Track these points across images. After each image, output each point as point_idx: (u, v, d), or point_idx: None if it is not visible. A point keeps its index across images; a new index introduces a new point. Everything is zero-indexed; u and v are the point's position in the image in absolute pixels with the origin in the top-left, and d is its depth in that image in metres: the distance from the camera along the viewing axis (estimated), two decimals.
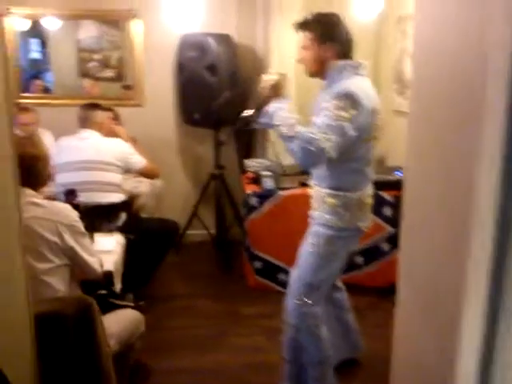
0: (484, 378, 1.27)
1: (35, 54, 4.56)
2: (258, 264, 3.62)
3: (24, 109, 3.88)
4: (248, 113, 2.19)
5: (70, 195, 2.40)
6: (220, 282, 3.86)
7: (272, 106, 2.11)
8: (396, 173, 3.49)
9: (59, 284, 1.98)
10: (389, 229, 3.50)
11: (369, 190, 2.31)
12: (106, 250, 2.48)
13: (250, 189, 3.60)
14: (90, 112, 3.33)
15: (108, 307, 2.42)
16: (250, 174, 3.77)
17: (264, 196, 3.51)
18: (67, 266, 2.04)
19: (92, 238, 2.51)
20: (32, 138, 2.02)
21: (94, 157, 3.17)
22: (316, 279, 2.29)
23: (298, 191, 3.42)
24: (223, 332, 3.16)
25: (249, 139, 4.44)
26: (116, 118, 3.87)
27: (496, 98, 1.12)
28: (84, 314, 1.74)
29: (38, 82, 4.47)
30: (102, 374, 1.79)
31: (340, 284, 2.67)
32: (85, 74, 4.46)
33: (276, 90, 2.15)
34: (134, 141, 3.89)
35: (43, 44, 4.49)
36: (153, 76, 4.31)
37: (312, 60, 2.21)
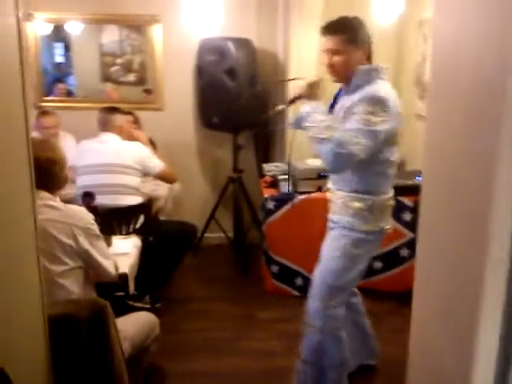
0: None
1: (59, 58, 4.64)
2: (275, 268, 3.61)
3: (46, 112, 3.96)
4: (279, 108, 2.20)
5: (87, 198, 2.42)
6: (237, 286, 3.86)
7: (306, 107, 2.12)
8: (418, 178, 3.45)
9: (73, 286, 2.00)
10: (408, 234, 3.46)
11: (391, 192, 2.33)
12: (122, 252, 2.49)
13: (267, 193, 3.60)
14: (110, 115, 3.37)
15: (124, 309, 2.45)
16: (268, 178, 3.76)
17: (281, 200, 3.50)
18: (81, 269, 2.06)
19: (110, 240, 2.53)
20: (48, 141, 2.04)
21: (114, 160, 3.21)
22: (340, 282, 2.30)
23: (316, 195, 3.41)
24: (239, 336, 3.16)
25: (267, 143, 4.44)
26: (136, 122, 3.91)
27: None
28: (97, 317, 1.76)
29: (60, 85, 4.54)
30: (115, 377, 1.80)
31: (355, 289, 2.65)
32: (107, 78, 4.51)
33: (312, 90, 2.16)
34: (153, 145, 3.93)
35: (67, 48, 4.56)
36: (173, 80, 4.34)
37: (343, 64, 2.18)
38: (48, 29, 4.34)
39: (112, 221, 3.01)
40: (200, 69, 4.08)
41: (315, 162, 3.62)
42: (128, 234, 3.05)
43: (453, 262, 1.44)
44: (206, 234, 4.35)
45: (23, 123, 1.48)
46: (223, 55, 3.88)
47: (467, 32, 1.36)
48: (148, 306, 3.22)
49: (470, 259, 1.30)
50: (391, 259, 3.54)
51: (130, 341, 2.11)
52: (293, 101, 2.23)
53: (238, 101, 3.86)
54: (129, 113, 3.74)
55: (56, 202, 2.03)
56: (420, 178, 3.31)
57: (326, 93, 2.26)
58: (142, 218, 3.20)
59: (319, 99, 2.16)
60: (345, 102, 2.22)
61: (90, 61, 4.55)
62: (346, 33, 2.16)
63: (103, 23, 4.37)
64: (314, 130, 2.07)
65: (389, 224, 2.32)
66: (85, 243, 2.01)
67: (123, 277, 2.27)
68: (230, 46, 3.86)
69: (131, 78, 4.49)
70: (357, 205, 2.23)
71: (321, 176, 3.39)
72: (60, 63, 4.66)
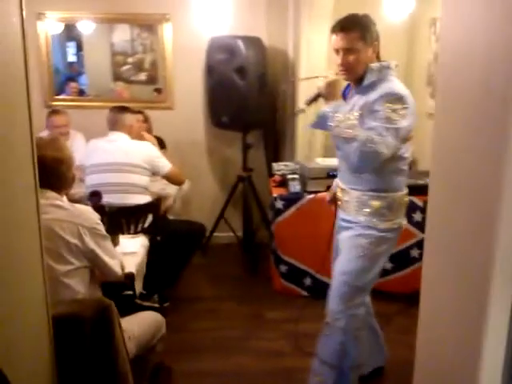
0: None
1: (71, 57, 4.66)
2: (283, 268, 3.59)
3: (56, 111, 3.98)
4: (300, 109, 2.19)
5: (94, 197, 2.43)
6: (246, 285, 3.85)
7: (329, 107, 2.10)
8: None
9: (79, 286, 2.00)
10: (419, 234, 3.42)
11: (406, 188, 2.34)
12: (130, 251, 2.49)
13: (276, 192, 3.58)
14: (120, 115, 3.38)
15: (133, 308, 2.45)
16: (277, 177, 3.75)
17: (290, 199, 3.49)
18: (87, 268, 2.06)
19: (117, 239, 2.53)
20: (55, 140, 2.04)
21: (122, 159, 3.21)
22: (363, 281, 2.29)
23: (326, 195, 3.37)
24: (247, 335, 3.15)
25: (277, 142, 4.43)
26: (145, 121, 3.92)
27: None
28: (102, 317, 1.75)
29: (73, 84, 4.56)
30: (119, 377, 1.80)
31: None
32: (118, 77, 4.52)
33: (332, 89, 2.14)
34: (162, 144, 3.95)
35: (79, 47, 4.59)
36: (183, 79, 4.34)
37: (355, 62, 2.16)
38: (59, 28, 4.36)
39: (120, 220, 3.01)
40: (210, 67, 4.07)
41: (325, 161, 3.60)
42: (136, 233, 3.06)
43: (460, 261, 1.43)
44: (215, 233, 4.34)
45: (27, 123, 1.48)
46: (233, 54, 3.87)
47: (475, 31, 1.35)
48: (156, 305, 3.21)
49: (478, 259, 1.29)
50: (401, 260, 3.50)
51: (135, 340, 2.10)
52: (313, 100, 2.22)
53: (248, 100, 3.84)
54: (138, 112, 3.75)
55: (63, 201, 2.03)
56: None
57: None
58: (150, 218, 3.21)
59: (338, 98, 2.14)
60: (358, 100, 2.20)
61: (101, 60, 4.57)
62: (357, 31, 2.14)
63: (114, 22, 4.39)
64: (339, 130, 2.05)
65: (405, 220, 2.35)
66: (91, 243, 2.01)
67: (129, 276, 2.27)
68: (240, 44, 3.85)
69: (142, 77, 4.50)
70: (376, 203, 2.22)
71: (330, 175, 3.36)
72: (72, 62, 4.68)
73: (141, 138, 3.49)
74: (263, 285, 3.76)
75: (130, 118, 3.40)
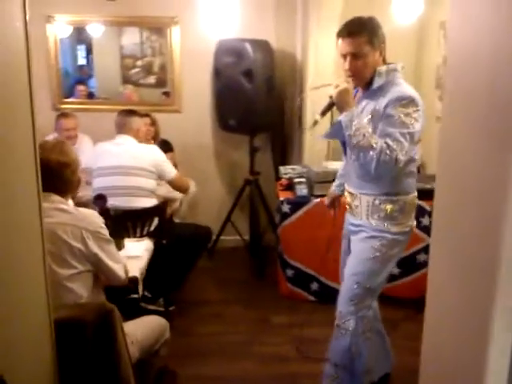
0: None
1: (82, 60, 4.69)
2: (290, 272, 3.57)
3: (65, 114, 4.00)
4: (315, 119, 2.16)
5: (99, 200, 2.43)
6: (252, 289, 3.83)
7: (345, 116, 2.08)
8: None
9: (82, 290, 1.99)
10: (427, 239, 3.38)
11: (416, 191, 2.34)
12: (134, 255, 2.49)
13: (283, 195, 3.57)
14: (127, 118, 3.38)
15: (138, 312, 2.44)
16: (284, 181, 3.73)
17: (297, 203, 3.47)
18: (90, 272, 2.05)
19: (122, 243, 2.53)
20: (60, 144, 2.03)
21: (128, 162, 3.21)
22: (373, 283, 2.29)
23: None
24: (253, 340, 3.13)
25: (284, 145, 4.41)
26: (153, 124, 3.93)
27: None
28: (104, 321, 1.75)
29: (81, 87, 4.58)
30: (121, 382, 1.79)
31: None
32: (127, 80, 4.54)
33: (344, 97, 2.10)
34: (169, 147, 3.97)
35: (89, 50, 4.61)
36: (191, 82, 4.34)
37: (366, 66, 2.14)
38: (69, 31, 4.38)
39: (126, 223, 3.01)
40: (217, 70, 4.07)
41: (332, 165, 3.58)
42: (142, 236, 3.06)
43: (466, 265, 1.42)
44: (222, 237, 4.34)
45: (29, 125, 1.48)
46: (241, 57, 3.86)
47: (482, 34, 1.33)
48: (162, 308, 3.22)
49: (483, 263, 1.28)
50: (409, 265, 3.46)
51: (138, 345, 2.10)
52: (327, 110, 2.18)
53: (255, 103, 3.83)
54: (146, 115, 3.75)
55: (67, 205, 2.03)
56: None
57: None
58: (156, 221, 3.20)
59: (352, 106, 2.10)
60: (367, 105, 2.18)
61: (110, 63, 4.58)
62: (364, 35, 2.11)
63: (123, 25, 4.40)
64: (357, 139, 2.03)
65: (414, 222, 2.35)
66: (94, 247, 2.01)
67: (133, 280, 2.27)
68: (248, 47, 3.84)
69: (151, 80, 4.51)
70: (389, 207, 2.22)
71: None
72: (82, 65, 4.71)
73: (148, 141, 3.49)
74: (269, 289, 3.74)
75: (137, 122, 3.40)
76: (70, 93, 4.54)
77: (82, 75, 4.71)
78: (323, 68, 3.84)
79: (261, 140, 4.22)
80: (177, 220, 3.74)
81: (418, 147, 2.24)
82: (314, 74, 3.87)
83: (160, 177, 3.33)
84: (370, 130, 2.06)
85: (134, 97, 4.54)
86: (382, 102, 2.10)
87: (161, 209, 3.24)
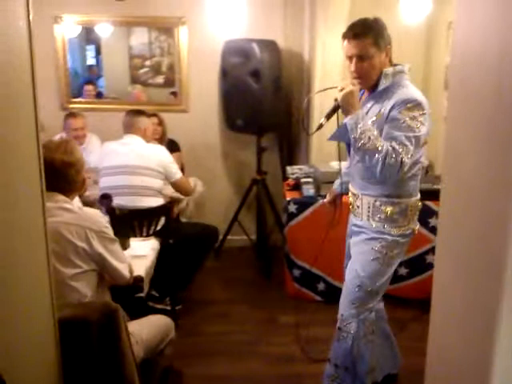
0: None
1: (91, 60, 4.71)
2: (296, 272, 3.56)
3: (73, 114, 4.01)
4: (320, 123, 2.14)
5: (104, 199, 2.44)
6: (259, 289, 3.83)
7: (350, 118, 2.07)
8: None
9: (86, 289, 1.99)
10: (435, 240, 3.35)
11: (419, 193, 2.32)
12: (139, 254, 2.49)
13: (290, 195, 3.56)
14: (135, 118, 3.39)
15: (144, 311, 2.45)
16: (291, 181, 3.72)
17: (303, 203, 3.46)
18: (95, 272, 2.06)
19: (128, 243, 2.54)
20: (65, 143, 2.03)
21: (135, 161, 3.22)
22: (374, 286, 2.28)
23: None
24: (258, 340, 3.13)
25: (291, 145, 4.40)
26: (160, 124, 3.93)
27: None
28: (108, 320, 1.75)
29: (88, 87, 4.59)
30: (126, 381, 1.79)
31: None
32: (136, 80, 4.55)
33: (350, 100, 2.07)
34: (176, 147, 3.97)
35: (98, 50, 4.63)
36: (198, 82, 4.35)
37: (372, 68, 2.12)
38: (77, 31, 4.40)
39: (132, 222, 3.02)
40: (224, 71, 4.07)
41: (338, 165, 3.56)
42: (148, 235, 3.06)
43: (471, 266, 1.41)
44: (229, 237, 4.33)
45: (33, 125, 1.48)
46: (248, 57, 3.86)
47: (488, 35, 1.32)
48: (168, 307, 3.23)
49: (489, 264, 1.27)
50: (417, 265, 3.45)
51: (143, 344, 2.10)
52: (332, 113, 2.17)
53: (262, 103, 3.83)
54: (153, 115, 3.76)
55: (71, 204, 2.03)
56: None
57: None
58: (162, 220, 3.21)
59: (357, 109, 2.08)
60: (372, 107, 2.17)
61: (119, 63, 4.60)
62: (370, 37, 2.10)
63: (132, 25, 4.41)
64: (362, 142, 2.02)
65: (417, 225, 2.33)
66: (98, 246, 2.01)
67: (138, 279, 2.27)
68: (255, 47, 3.83)
69: (160, 80, 4.52)
70: (389, 209, 2.21)
71: None
72: (91, 65, 4.73)
73: (154, 141, 3.50)
74: (276, 289, 3.74)
75: (144, 122, 3.41)
76: (79, 93, 4.56)
77: (92, 75, 4.73)
78: (330, 68, 3.82)
79: (268, 140, 4.22)
80: (184, 219, 3.74)
81: (424, 150, 2.22)
82: (321, 74, 3.86)
83: (167, 177, 3.33)
84: (376, 132, 2.05)
85: (143, 97, 4.55)
86: (388, 104, 2.09)
87: (167, 208, 3.25)
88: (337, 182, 2.66)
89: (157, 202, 3.23)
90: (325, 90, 2.37)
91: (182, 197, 3.64)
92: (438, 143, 3.31)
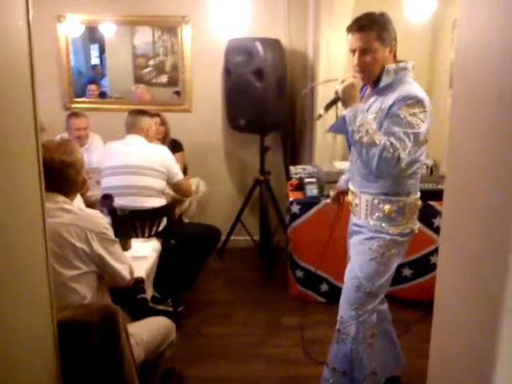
0: None
1: (95, 60, 4.70)
2: (299, 273, 3.54)
3: (76, 114, 4.00)
4: (319, 114, 2.13)
5: (106, 200, 2.42)
6: (261, 290, 3.81)
7: (349, 111, 2.05)
8: None
9: (85, 290, 1.97)
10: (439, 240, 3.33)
11: (419, 192, 2.29)
12: (140, 255, 2.48)
13: (293, 196, 3.53)
14: (138, 118, 3.38)
15: (146, 312, 2.43)
16: (294, 181, 3.70)
17: (307, 203, 3.43)
18: (94, 273, 2.04)
19: (129, 244, 2.52)
20: (65, 144, 2.02)
21: (137, 162, 3.21)
22: (374, 287, 2.25)
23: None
24: (261, 342, 3.10)
25: (295, 145, 4.38)
26: (162, 124, 3.92)
27: None
28: (108, 322, 1.73)
29: (91, 86, 4.58)
30: (125, 383, 1.77)
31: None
32: (139, 79, 4.53)
33: (351, 92, 2.06)
34: (179, 147, 3.95)
35: (102, 49, 4.61)
36: (201, 81, 4.33)
37: (375, 62, 2.10)
38: (80, 31, 4.38)
39: (134, 223, 3.00)
40: (228, 70, 4.04)
41: (343, 165, 3.54)
42: (150, 236, 3.05)
43: (474, 267, 1.40)
44: (232, 237, 4.31)
45: (32, 126, 1.47)
46: (251, 56, 3.83)
47: (490, 35, 1.31)
48: (170, 309, 3.21)
49: (492, 265, 1.26)
50: (421, 266, 3.42)
51: (143, 346, 2.08)
52: (331, 105, 2.16)
53: (266, 102, 3.80)
54: (156, 114, 3.74)
55: (71, 205, 2.01)
56: None
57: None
58: (164, 221, 3.19)
59: (357, 101, 2.07)
60: (374, 102, 2.15)
61: (123, 62, 4.58)
62: (374, 30, 2.08)
63: (135, 25, 4.39)
64: (360, 135, 2.00)
65: (417, 225, 2.30)
66: (98, 248, 1.99)
67: (139, 281, 2.25)
68: (258, 46, 3.81)
69: (163, 79, 4.50)
70: (387, 207, 2.19)
71: None
72: (95, 65, 4.72)
73: (157, 141, 3.48)
74: (279, 290, 3.72)
75: (147, 122, 3.40)
76: (82, 92, 4.54)
77: (95, 74, 4.72)
78: (334, 67, 3.80)
79: (271, 140, 4.19)
80: (186, 220, 3.72)
81: (425, 148, 2.19)
82: (325, 73, 3.83)
83: (169, 178, 3.32)
84: (375, 126, 2.03)
85: (146, 96, 4.54)
86: (389, 100, 2.07)
87: (169, 209, 3.23)
88: (342, 178, 2.65)
89: (159, 202, 3.22)
90: (327, 81, 2.35)
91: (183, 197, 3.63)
92: (442, 142, 3.28)
